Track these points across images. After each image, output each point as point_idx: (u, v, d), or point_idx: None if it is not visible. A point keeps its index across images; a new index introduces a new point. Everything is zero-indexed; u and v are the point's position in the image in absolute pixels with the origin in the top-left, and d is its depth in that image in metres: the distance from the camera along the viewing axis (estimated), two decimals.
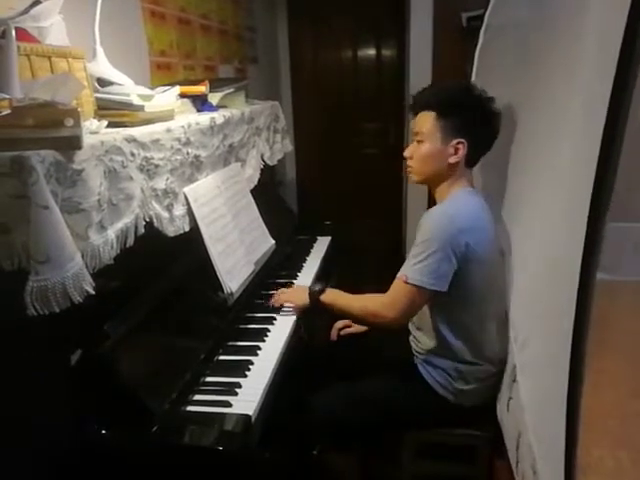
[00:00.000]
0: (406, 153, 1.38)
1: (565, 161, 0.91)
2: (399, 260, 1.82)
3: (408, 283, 1.24)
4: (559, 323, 0.81)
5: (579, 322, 0.72)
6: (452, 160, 1.29)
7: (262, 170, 1.86)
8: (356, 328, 1.61)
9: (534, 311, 1.09)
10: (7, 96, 0.80)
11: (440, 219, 1.26)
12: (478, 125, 1.30)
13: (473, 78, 1.87)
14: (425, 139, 1.32)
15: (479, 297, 1.29)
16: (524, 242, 1.26)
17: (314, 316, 1.52)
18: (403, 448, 1.41)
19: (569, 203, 0.86)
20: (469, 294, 1.27)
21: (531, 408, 1.00)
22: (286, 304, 1.47)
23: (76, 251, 0.81)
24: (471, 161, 1.34)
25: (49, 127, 0.78)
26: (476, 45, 1.83)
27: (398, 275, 1.29)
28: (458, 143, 1.29)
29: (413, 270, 1.24)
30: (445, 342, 1.31)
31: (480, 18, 1.80)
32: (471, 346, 1.30)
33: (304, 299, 1.45)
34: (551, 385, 0.83)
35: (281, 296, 1.50)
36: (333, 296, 1.43)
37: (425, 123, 1.32)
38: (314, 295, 1.44)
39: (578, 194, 0.76)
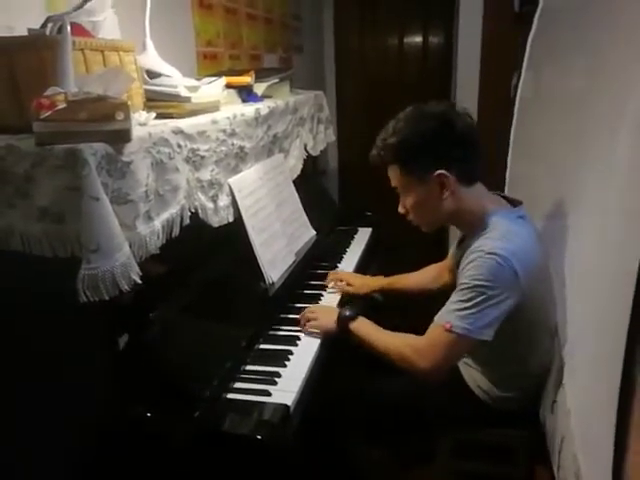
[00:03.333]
0: (400, 210, 1.29)
1: (622, 159, 0.86)
2: (441, 255, 1.79)
3: (451, 331, 1.11)
4: (612, 326, 0.77)
5: (634, 325, 0.68)
6: (446, 195, 1.17)
7: (304, 160, 1.86)
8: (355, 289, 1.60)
9: (585, 313, 1.04)
10: (63, 90, 0.83)
11: (491, 262, 1.09)
12: (444, 150, 1.15)
13: (524, 67, 1.79)
14: (406, 192, 1.24)
15: (528, 323, 1.20)
16: (571, 243, 1.20)
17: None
18: (438, 446, 1.39)
19: (627, 203, 0.81)
20: (517, 324, 1.17)
21: (578, 415, 0.96)
22: (311, 325, 1.33)
23: (124, 241, 0.84)
24: (469, 178, 1.19)
25: (101, 120, 0.81)
26: (529, 32, 1.75)
27: (437, 320, 1.16)
28: (438, 176, 1.15)
29: (458, 317, 1.11)
30: (489, 353, 1.25)
31: (534, 2, 1.73)
32: (517, 361, 1.25)
33: (331, 322, 1.31)
34: (601, 392, 0.80)
35: (307, 314, 1.35)
36: (362, 326, 1.29)
37: (395, 178, 1.24)
38: (343, 321, 1.30)
39: (637, 196, 0.71)
